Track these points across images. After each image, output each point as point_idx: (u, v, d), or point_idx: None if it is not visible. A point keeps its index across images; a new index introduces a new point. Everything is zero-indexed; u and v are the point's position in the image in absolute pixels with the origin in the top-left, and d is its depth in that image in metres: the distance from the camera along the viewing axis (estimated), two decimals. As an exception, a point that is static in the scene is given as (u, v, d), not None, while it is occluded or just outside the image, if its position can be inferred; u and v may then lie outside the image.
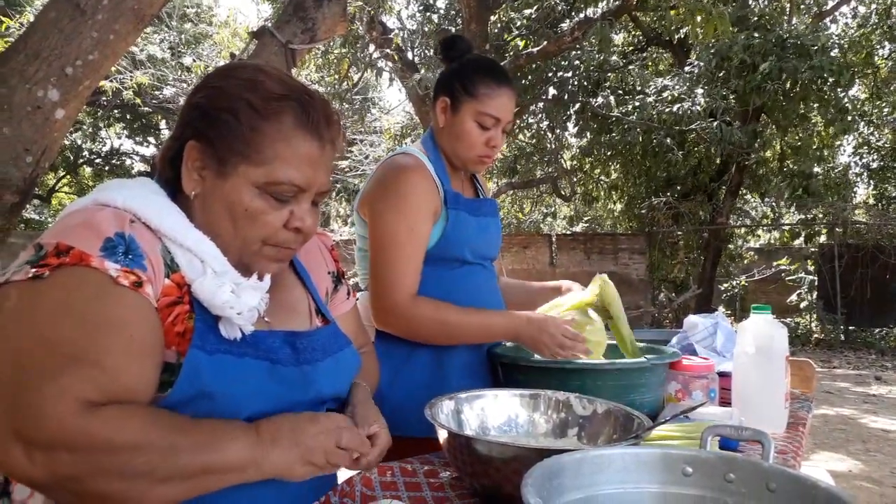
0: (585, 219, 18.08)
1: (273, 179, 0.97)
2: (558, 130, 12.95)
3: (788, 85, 9.98)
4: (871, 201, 14.01)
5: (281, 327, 1.07)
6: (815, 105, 10.49)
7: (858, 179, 14.12)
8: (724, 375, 1.75)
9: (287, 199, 1.00)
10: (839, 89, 10.06)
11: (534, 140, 13.36)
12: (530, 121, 12.90)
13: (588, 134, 12.35)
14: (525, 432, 1.33)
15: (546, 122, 12.79)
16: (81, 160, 16.80)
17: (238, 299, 0.94)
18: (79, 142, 16.55)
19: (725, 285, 13.15)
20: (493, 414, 1.34)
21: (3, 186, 1.97)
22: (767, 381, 1.63)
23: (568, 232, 16.92)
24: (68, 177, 17.18)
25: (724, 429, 1.03)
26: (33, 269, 0.84)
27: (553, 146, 13.24)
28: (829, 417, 6.07)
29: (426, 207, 1.66)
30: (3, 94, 1.96)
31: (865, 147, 13.71)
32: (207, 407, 0.91)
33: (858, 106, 12.08)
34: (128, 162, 17.19)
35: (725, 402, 1.73)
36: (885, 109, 13.05)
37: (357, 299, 1.39)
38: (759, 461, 0.96)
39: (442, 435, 1.16)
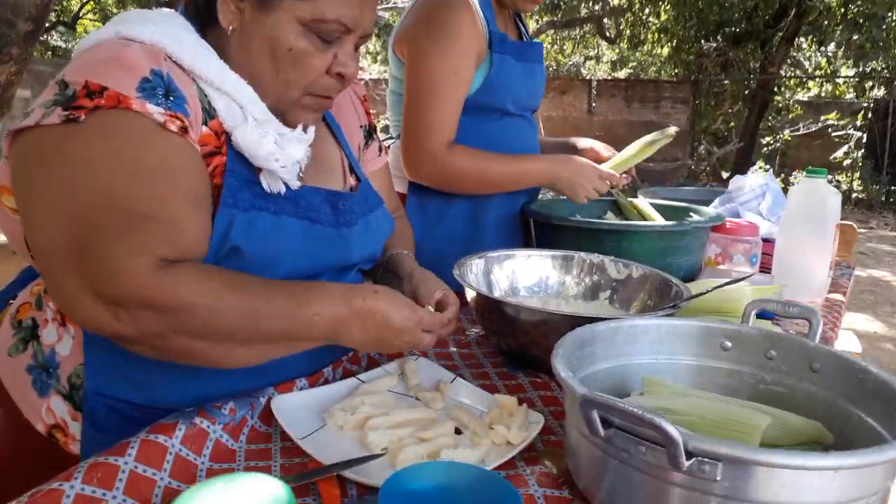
0: (630, 65, 17.21)
1: (320, 16, 0.86)
2: (607, -36, 11.99)
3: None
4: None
5: (315, 184, 1.00)
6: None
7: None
8: (766, 241, 1.68)
9: (333, 39, 0.90)
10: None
11: (580, -26, 12.44)
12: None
13: (639, -31, 11.43)
14: (555, 294, 1.30)
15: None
16: (105, -16, 16.16)
17: (282, 151, 0.87)
18: (101, -36, 15.83)
19: (768, 139, 12.69)
20: (524, 275, 1.30)
21: (15, 13, 1.86)
22: (814, 248, 1.56)
23: (609, 77, 16.19)
24: (92, 3, 16.62)
25: (770, 303, 0.97)
26: (65, 112, 0.76)
27: (601, -19, 12.33)
28: (860, 279, 6.03)
29: (471, 48, 1.51)
30: None
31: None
32: (240, 265, 0.86)
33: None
34: (153, -13, 16.48)
35: (766, 268, 1.67)
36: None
37: (388, 156, 1.31)
38: (803, 340, 0.91)
39: (470, 294, 1.13)
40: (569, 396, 0.77)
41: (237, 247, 0.85)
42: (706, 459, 0.62)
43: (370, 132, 1.20)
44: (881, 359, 4.03)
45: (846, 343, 2.54)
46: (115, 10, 17.33)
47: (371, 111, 1.22)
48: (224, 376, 0.90)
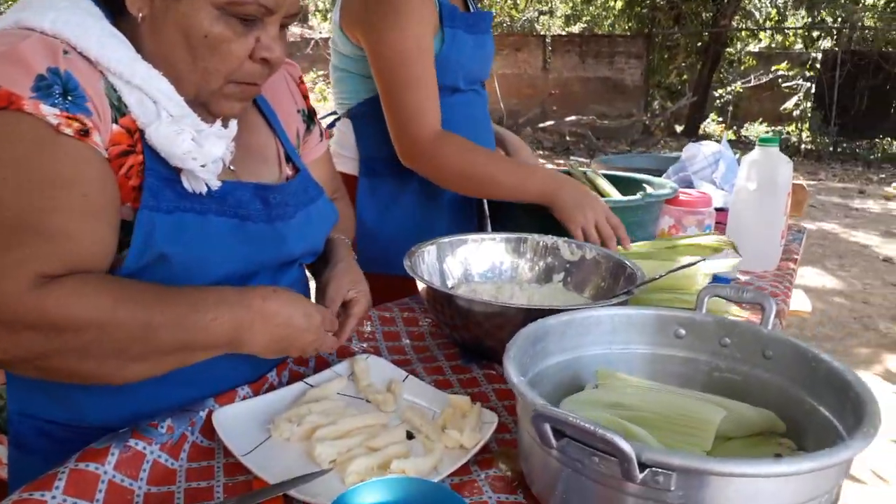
0: (584, 19, 17.07)
1: None
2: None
3: None
4: (882, 6, 13.25)
5: (248, 178, 0.94)
6: None
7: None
8: (720, 210, 1.67)
9: (252, 22, 0.83)
10: None
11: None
12: None
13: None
14: (509, 279, 1.27)
15: None
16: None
17: (200, 149, 0.80)
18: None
19: (720, 91, 12.81)
20: (477, 261, 1.27)
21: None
22: (766, 217, 1.56)
23: (563, 33, 16.06)
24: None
25: (724, 290, 0.96)
26: None
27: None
28: (809, 232, 6.13)
29: (427, 19, 1.41)
30: None
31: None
32: (168, 272, 0.81)
33: None
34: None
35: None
36: None
37: (331, 139, 1.24)
38: (757, 327, 0.90)
39: (421, 287, 1.09)
40: (520, 402, 0.75)
41: (162, 252, 0.80)
42: (660, 470, 0.61)
43: (310, 116, 1.14)
44: (830, 312, 4.15)
45: (797, 302, 2.59)
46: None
47: (310, 102, 1.15)
48: (159, 389, 0.85)
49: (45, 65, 0.73)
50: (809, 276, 4.91)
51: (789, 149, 11.15)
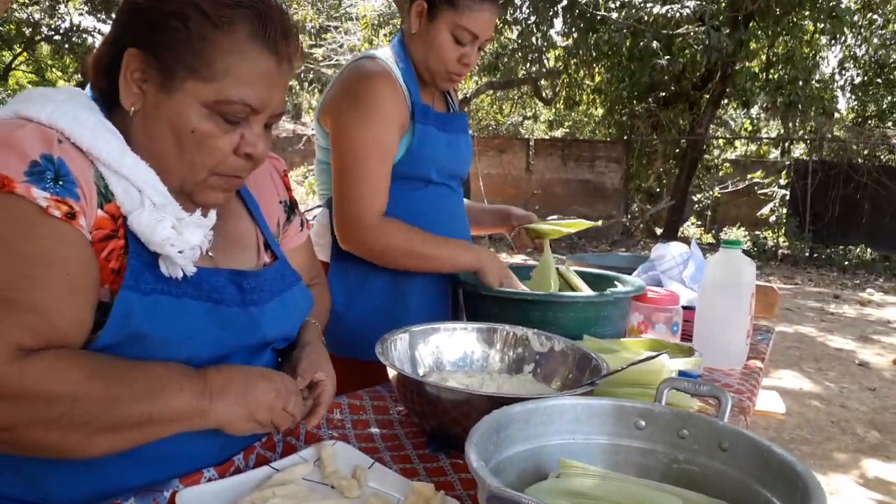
0: (566, 125, 17.78)
1: (224, 98, 0.86)
2: (544, 27, 12.47)
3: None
4: (850, 120, 13.96)
5: (226, 264, 0.98)
6: (807, 12, 10.21)
7: (840, 93, 13.98)
8: (688, 309, 1.72)
9: (238, 120, 0.89)
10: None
11: (519, 38, 12.87)
12: (517, 15, 12.37)
13: (575, 33, 11.92)
14: (479, 368, 1.30)
15: (533, 18, 12.28)
16: (39, 37, 15.86)
17: (179, 236, 0.85)
18: (36, 16, 15.56)
19: (698, 196, 13.21)
20: (448, 349, 1.30)
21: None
22: (731, 317, 1.61)
23: (546, 136, 16.67)
24: (25, 54, 16.29)
25: (682, 383, 0.99)
26: None
27: (538, 44, 12.79)
28: (786, 335, 6.24)
29: (393, 118, 1.54)
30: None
31: (851, 60, 13.47)
32: (140, 349, 0.84)
33: (849, 17, 11.76)
34: (89, 40, 16.27)
35: (688, 335, 1.71)
36: (877, 20, 12.74)
37: (311, 229, 1.30)
38: (713, 420, 0.93)
39: (392, 374, 1.12)
40: (481, 489, 0.77)
41: (139, 331, 0.83)
42: (611, 555, 0.62)
43: (292, 208, 1.20)
44: (808, 415, 4.14)
45: (770, 404, 2.61)
46: (50, 63, 17.01)
47: (293, 194, 1.22)
48: (125, 468, 0.86)
49: (40, 151, 0.78)
50: (787, 378, 4.93)
51: (766, 253, 11.40)
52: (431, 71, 1.59)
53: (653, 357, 1.17)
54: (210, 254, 0.95)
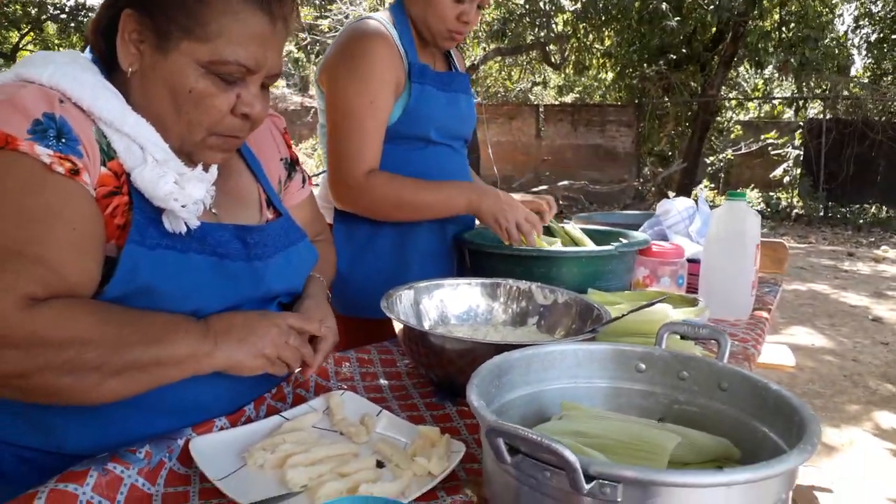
0: (576, 90, 17.59)
1: (219, 58, 0.87)
2: (551, -9, 12.28)
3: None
4: (865, 78, 13.70)
5: (229, 220, 1.00)
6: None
7: (856, 51, 13.73)
8: (694, 262, 1.73)
9: (234, 80, 0.91)
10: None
11: (527, 3, 12.69)
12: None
13: (582, -4, 11.74)
14: (484, 321, 1.32)
15: (540, -19, 12.10)
16: (45, 16, 15.84)
17: (182, 191, 0.87)
18: (41, -5, 15.55)
19: (711, 159, 13.09)
20: (453, 304, 1.32)
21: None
22: (735, 268, 1.61)
23: (556, 102, 16.52)
24: (32, 33, 16.29)
25: (681, 326, 1.01)
26: None
27: (546, 8, 12.60)
28: (799, 293, 6.23)
29: (388, 79, 1.54)
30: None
31: (866, 18, 13.19)
32: (147, 303, 0.86)
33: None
34: (96, 19, 16.21)
35: (693, 288, 1.72)
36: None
37: (314, 186, 1.32)
38: (712, 361, 0.94)
39: (397, 327, 1.14)
40: (481, 424, 0.79)
41: (146, 284, 0.85)
42: (606, 482, 0.64)
43: (292, 165, 1.21)
44: (821, 370, 4.16)
45: (780, 356, 2.63)
46: (57, 42, 17.00)
47: (294, 151, 1.23)
48: (140, 418, 0.89)
49: (42, 110, 0.80)
50: (800, 334, 4.93)
51: (780, 213, 11.32)
52: (431, 30, 1.59)
53: (653, 304, 1.18)
54: (213, 210, 0.97)
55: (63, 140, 0.81)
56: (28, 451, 0.87)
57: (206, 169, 0.92)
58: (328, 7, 12.36)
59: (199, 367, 0.87)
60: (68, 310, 0.78)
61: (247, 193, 1.08)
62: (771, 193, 12.09)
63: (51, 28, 16.67)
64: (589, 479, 0.64)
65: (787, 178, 12.09)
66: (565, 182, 11.42)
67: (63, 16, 15.98)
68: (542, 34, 13.17)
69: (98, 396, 0.80)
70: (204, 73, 0.88)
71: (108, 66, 0.92)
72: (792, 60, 11.25)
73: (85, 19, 15.63)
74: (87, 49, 0.95)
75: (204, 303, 0.91)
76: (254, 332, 0.91)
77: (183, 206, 0.86)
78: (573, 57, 14.39)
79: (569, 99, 17.33)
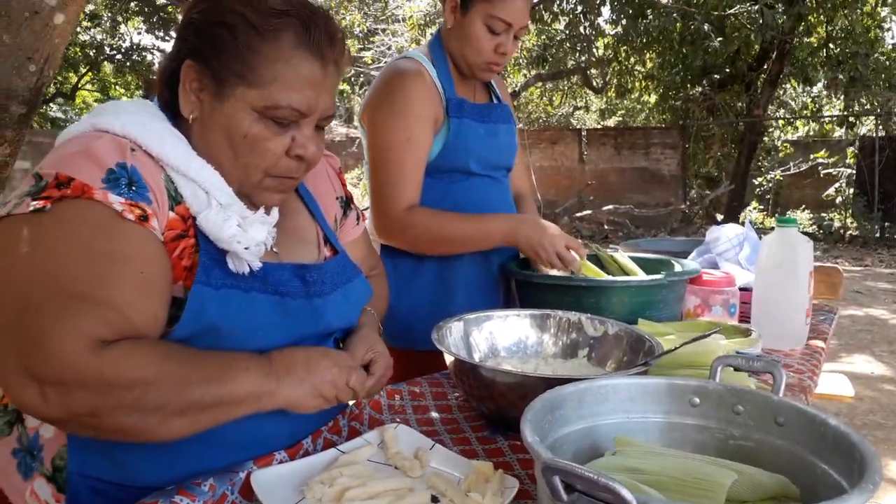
0: (619, 113, 17.53)
1: (272, 103, 0.92)
2: (591, 16, 12.32)
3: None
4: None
5: (289, 258, 1.04)
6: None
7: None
8: (745, 290, 1.71)
9: (288, 123, 0.95)
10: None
11: (567, 29, 12.75)
12: (564, 6, 12.25)
13: (623, 20, 11.75)
14: (534, 353, 1.32)
15: (580, 8, 12.14)
16: (102, 57, 16.57)
17: (245, 233, 0.91)
18: (99, 37, 16.26)
19: (759, 179, 12.84)
20: (503, 336, 1.33)
21: (9, 97, 1.94)
22: (788, 297, 1.58)
23: (598, 126, 16.47)
24: (90, 73, 17.02)
25: (735, 359, 1.00)
26: (34, 202, 0.81)
27: (587, 32, 12.64)
28: (856, 318, 6.03)
29: (425, 116, 1.59)
30: (-1, -1, 1.88)
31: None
32: (213, 341, 0.90)
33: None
34: (149, 58, 16.91)
35: (746, 317, 1.70)
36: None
37: (366, 221, 1.36)
38: (768, 395, 0.93)
39: (448, 359, 1.16)
40: (536, 462, 0.79)
41: (212, 323, 0.89)
42: (664, 521, 0.64)
43: (347, 203, 1.25)
44: (881, 400, 4.00)
45: (838, 387, 2.55)
46: (113, 81, 17.72)
47: (349, 189, 1.27)
48: (205, 452, 0.92)
49: (115, 160, 0.85)
50: (858, 362, 4.76)
51: (833, 235, 11.01)
52: (470, 63, 1.63)
53: (706, 336, 1.18)
54: (274, 249, 1.01)
55: (134, 188, 0.85)
56: (102, 483, 0.91)
57: (267, 211, 0.96)
58: (371, 39, 12.63)
59: (261, 405, 0.89)
60: (134, 351, 0.81)
61: (305, 232, 1.11)
62: (823, 214, 11.78)
63: (107, 68, 17.41)
64: (646, 518, 0.65)
65: (839, 199, 11.76)
66: (610, 206, 11.32)
67: (119, 56, 16.68)
68: (583, 59, 13.21)
69: (164, 435, 0.83)
70: (258, 117, 0.93)
71: (173, 113, 0.97)
72: (841, 77, 11.01)
73: (140, 59, 16.28)
74: (154, 97, 1.01)
75: (266, 340, 0.95)
76: (314, 371, 0.94)
77: (246, 248, 0.90)
78: (615, 80, 14.36)
79: (611, 122, 17.26)
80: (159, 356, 0.83)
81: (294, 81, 0.92)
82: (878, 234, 10.89)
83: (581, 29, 12.63)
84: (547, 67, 13.32)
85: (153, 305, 0.86)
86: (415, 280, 1.68)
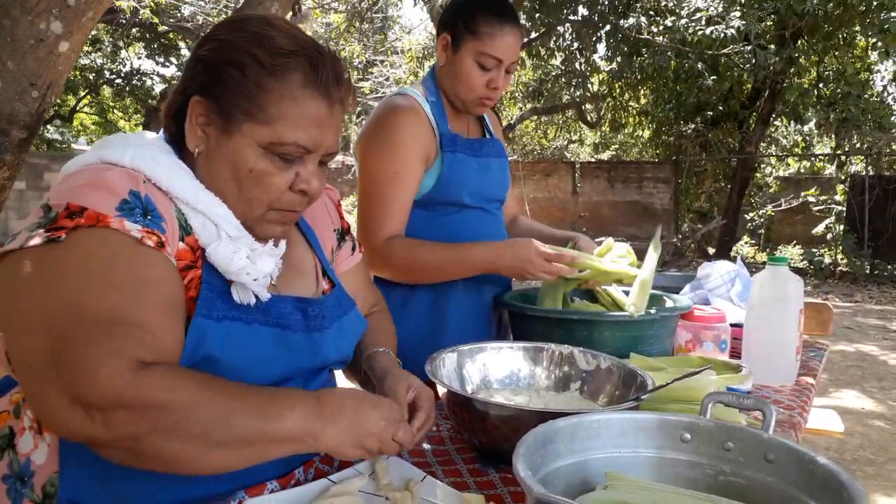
0: (612, 147, 17.72)
1: (278, 140, 0.93)
2: (587, 53, 12.52)
3: (831, 6, 9.49)
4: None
5: (288, 290, 1.05)
6: (857, 28, 10.00)
7: (895, 106, 13.58)
8: (737, 326, 1.72)
9: (293, 159, 0.96)
10: (883, 11, 9.55)
11: (563, 64, 12.95)
12: (560, 42, 12.46)
13: (618, 57, 11.94)
14: (526, 386, 1.33)
15: (576, 44, 12.35)
16: (102, 81, 16.69)
17: (254, 265, 0.92)
18: (99, 61, 16.40)
19: (751, 214, 12.95)
20: (495, 368, 1.33)
21: (10, 122, 1.96)
22: (779, 334, 1.60)
23: (592, 159, 16.63)
24: (89, 97, 17.13)
25: (726, 396, 1.01)
26: (47, 233, 0.81)
27: (582, 69, 12.83)
28: (847, 353, 6.05)
29: (416, 151, 1.62)
30: (5, 26, 1.91)
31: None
32: (212, 371, 0.89)
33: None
34: (148, 83, 17.06)
35: (736, 352, 1.71)
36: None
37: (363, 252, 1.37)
38: (758, 432, 0.94)
39: (441, 391, 1.16)
40: (528, 496, 0.80)
41: (211, 355, 0.89)
42: (654, 558, 0.65)
43: (343, 234, 1.27)
44: (871, 435, 4.00)
45: (827, 422, 2.55)
46: (112, 104, 17.81)
47: (346, 222, 1.29)
48: (196, 480, 0.92)
49: (128, 189, 0.86)
50: (848, 398, 4.77)
51: (823, 271, 11.08)
52: (462, 99, 1.67)
53: (698, 372, 1.19)
54: (272, 282, 1.02)
55: (149, 217, 0.87)
56: (95, 509, 0.90)
57: (275, 244, 0.98)
58: (369, 70, 12.78)
59: (303, 447, 0.87)
60: (173, 374, 0.81)
61: (304, 264, 1.13)
62: (814, 250, 11.87)
63: (106, 91, 17.52)
64: (636, 553, 0.65)
65: (829, 235, 11.87)
66: (602, 238, 11.39)
67: (118, 80, 16.80)
68: (578, 94, 13.39)
69: (204, 465, 0.82)
70: (264, 153, 0.94)
71: (178, 147, 0.99)
72: (833, 116, 11.18)
73: (139, 84, 16.41)
74: (161, 131, 1.03)
75: (265, 373, 0.95)
76: (362, 421, 0.90)
77: (255, 280, 0.91)
78: (609, 115, 14.55)
79: (605, 156, 17.43)
80: (197, 381, 0.82)
81: (300, 119, 0.94)
82: (867, 271, 10.97)
83: (577, 65, 12.82)
84: (542, 101, 13.50)
85: (177, 328, 0.87)
86: (407, 310, 1.69)
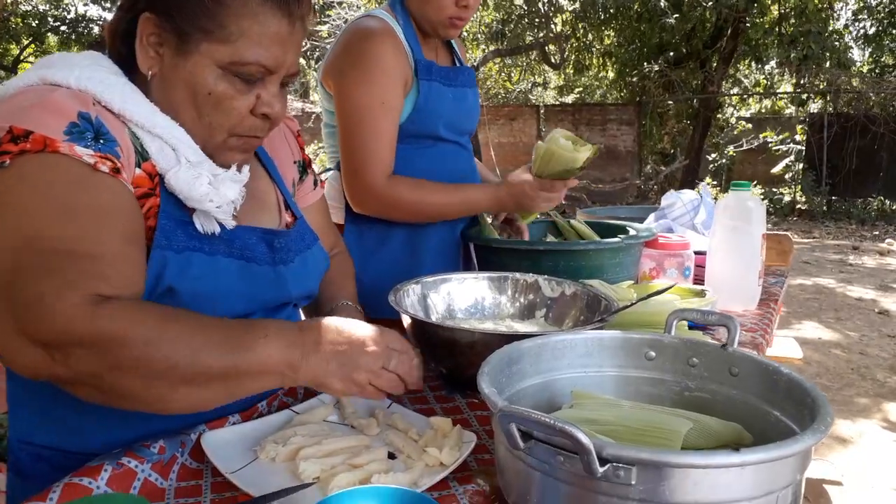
0: (577, 90, 17.60)
1: (239, 59, 0.87)
2: (550, -8, 12.30)
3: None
4: (865, 70, 13.68)
5: (249, 222, 1.00)
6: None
7: (854, 46, 13.71)
8: (700, 254, 1.73)
9: (254, 81, 0.90)
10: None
11: (525, 4, 12.71)
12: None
13: (581, -4, 11.77)
14: (491, 314, 1.32)
15: (538, -17, 12.12)
16: (46, 28, 15.92)
17: (216, 191, 0.87)
18: (42, 7, 15.62)
19: (713, 156, 13.08)
20: (460, 297, 1.32)
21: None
22: (742, 258, 1.61)
23: (557, 102, 16.54)
24: (33, 45, 16.37)
25: (691, 313, 1.01)
26: None
27: (545, 9, 12.62)
28: (805, 287, 6.22)
29: (397, 76, 1.52)
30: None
31: (865, 11, 13.17)
32: (173, 305, 0.85)
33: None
34: (95, 30, 16.30)
35: (700, 279, 1.72)
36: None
37: (324, 189, 1.32)
38: (722, 346, 0.94)
39: (406, 321, 1.14)
40: (493, 411, 0.79)
41: (172, 287, 0.85)
42: (620, 465, 0.64)
43: (304, 167, 1.21)
44: (828, 363, 4.15)
45: (787, 349, 2.62)
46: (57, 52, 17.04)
47: (307, 154, 1.23)
48: (154, 416, 0.89)
49: (77, 111, 0.79)
50: (807, 329, 4.92)
51: (783, 209, 11.30)
52: (432, 21, 1.56)
53: (661, 292, 1.18)
54: (235, 213, 0.97)
55: (101, 140, 0.80)
56: (46, 450, 0.87)
57: (238, 169, 0.92)
58: (327, 13, 12.40)
59: (283, 380, 0.83)
60: (131, 308, 0.76)
61: (266, 196, 1.08)
62: (774, 189, 12.08)
63: (52, 40, 16.76)
64: (603, 462, 0.64)
65: (789, 174, 12.07)
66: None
67: (64, 28, 16.07)
68: (542, 34, 13.20)
69: (173, 404, 0.78)
70: (223, 74, 0.88)
71: (127, 69, 0.91)
72: (792, 56, 11.24)
73: (85, 31, 15.72)
74: (105, 52, 0.95)
75: (229, 306, 0.91)
76: (350, 352, 0.85)
77: (218, 207, 0.86)
78: (573, 57, 14.41)
79: (569, 99, 17.34)
80: (160, 316, 0.77)
81: (261, 37, 0.88)
82: (825, 208, 11.22)
83: (539, 5, 12.60)
84: (505, 43, 13.28)
85: (137, 257, 0.82)
86: (382, 248, 1.64)
